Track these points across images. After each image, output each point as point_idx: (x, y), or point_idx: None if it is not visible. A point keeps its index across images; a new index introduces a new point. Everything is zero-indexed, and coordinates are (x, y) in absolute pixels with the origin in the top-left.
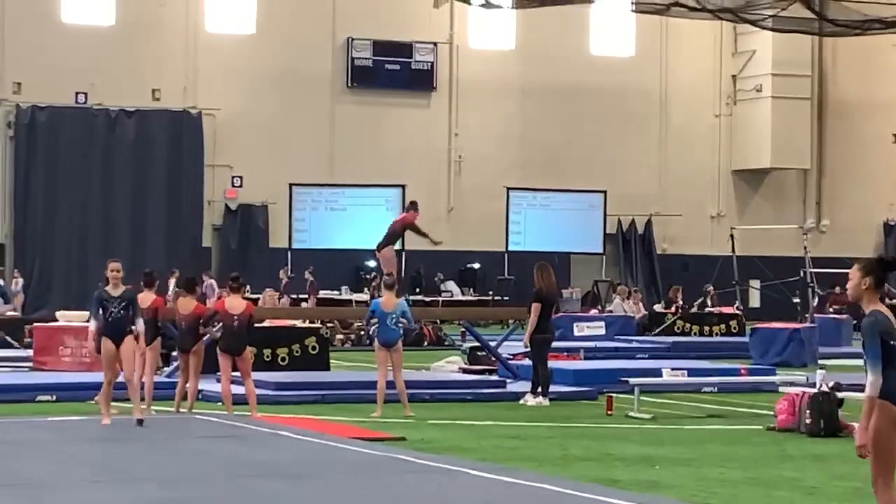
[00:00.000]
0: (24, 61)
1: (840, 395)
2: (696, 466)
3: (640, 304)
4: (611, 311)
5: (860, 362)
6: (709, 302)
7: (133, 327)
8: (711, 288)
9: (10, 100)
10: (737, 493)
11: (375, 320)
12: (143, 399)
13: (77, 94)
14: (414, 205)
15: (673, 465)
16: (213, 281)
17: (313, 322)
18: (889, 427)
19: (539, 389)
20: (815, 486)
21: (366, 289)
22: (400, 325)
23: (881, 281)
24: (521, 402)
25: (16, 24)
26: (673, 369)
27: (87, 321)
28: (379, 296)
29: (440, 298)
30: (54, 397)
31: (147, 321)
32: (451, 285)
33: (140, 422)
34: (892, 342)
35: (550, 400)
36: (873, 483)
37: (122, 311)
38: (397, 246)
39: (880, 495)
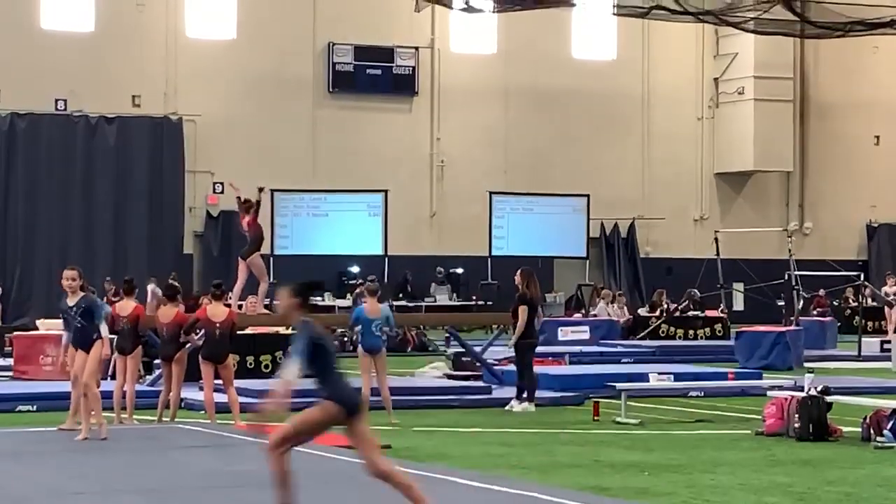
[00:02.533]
0: (3, 68)
1: (828, 398)
2: (687, 472)
3: (625, 307)
4: (595, 316)
5: (847, 365)
6: (693, 306)
7: (96, 335)
8: (696, 291)
9: None
10: (728, 500)
11: (359, 327)
12: (124, 408)
13: (57, 100)
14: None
15: (663, 472)
16: (154, 287)
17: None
18: None
19: (524, 395)
20: (805, 490)
21: (348, 294)
22: (383, 331)
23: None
24: (508, 408)
25: None
26: (659, 374)
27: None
28: (363, 302)
29: (423, 304)
30: (35, 407)
31: (128, 329)
32: (442, 290)
33: (85, 438)
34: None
35: (536, 406)
36: None
37: (81, 320)
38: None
39: None
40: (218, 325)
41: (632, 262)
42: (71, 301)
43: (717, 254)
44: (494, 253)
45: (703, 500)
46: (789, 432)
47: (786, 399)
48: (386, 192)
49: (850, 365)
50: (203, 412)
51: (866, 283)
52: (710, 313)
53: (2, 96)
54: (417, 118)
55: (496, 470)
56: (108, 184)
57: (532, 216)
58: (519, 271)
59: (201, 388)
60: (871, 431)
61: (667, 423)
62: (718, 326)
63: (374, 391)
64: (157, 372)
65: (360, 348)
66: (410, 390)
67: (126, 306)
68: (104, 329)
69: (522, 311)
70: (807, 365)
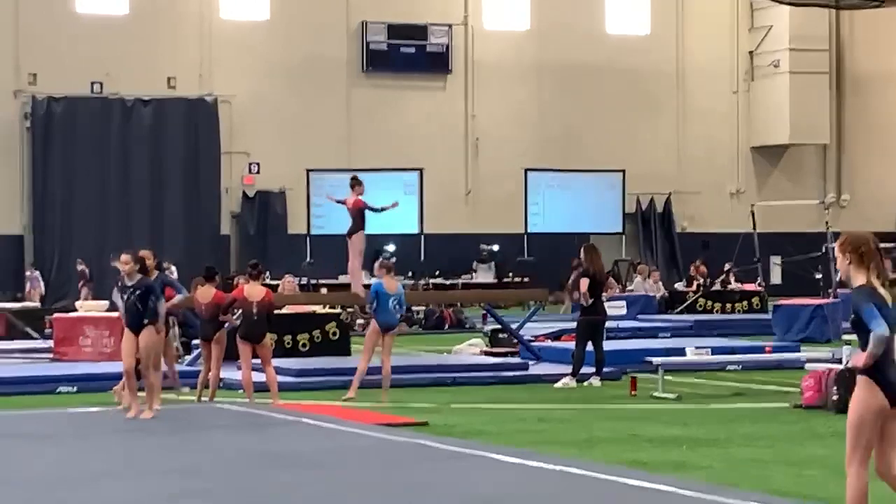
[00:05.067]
0: (39, 52)
1: None
2: (724, 446)
3: (659, 283)
4: (631, 291)
5: None
6: (730, 279)
7: (148, 319)
8: (732, 265)
9: (26, 91)
10: (767, 474)
11: (375, 303)
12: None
13: (93, 83)
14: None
15: (700, 446)
16: (84, 268)
17: (333, 308)
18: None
19: (595, 371)
20: (844, 463)
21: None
22: (397, 308)
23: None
24: (587, 383)
25: (30, 15)
26: (697, 348)
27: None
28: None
29: (460, 281)
30: (75, 388)
31: (209, 316)
32: (484, 268)
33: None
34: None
35: (578, 381)
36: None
37: (136, 300)
38: None
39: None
40: (255, 304)
41: (668, 237)
42: (129, 280)
43: (754, 227)
44: (531, 230)
45: (741, 474)
46: (827, 405)
47: (824, 372)
48: (421, 170)
49: None
50: (241, 392)
51: None
52: (747, 287)
53: (38, 80)
54: (452, 96)
55: (534, 446)
56: (144, 165)
57: (568, 192)
58: (582, 247)
59: (240, 368)
60: None
61: (704, 397)
62: (756, 300)
63: (370, 369)
64: (196, 352)
65: (373, 323)
66: (448, 367)
67: (206, 293)
68: (161, 311)
69: (584, 282)
70: (844, 337)
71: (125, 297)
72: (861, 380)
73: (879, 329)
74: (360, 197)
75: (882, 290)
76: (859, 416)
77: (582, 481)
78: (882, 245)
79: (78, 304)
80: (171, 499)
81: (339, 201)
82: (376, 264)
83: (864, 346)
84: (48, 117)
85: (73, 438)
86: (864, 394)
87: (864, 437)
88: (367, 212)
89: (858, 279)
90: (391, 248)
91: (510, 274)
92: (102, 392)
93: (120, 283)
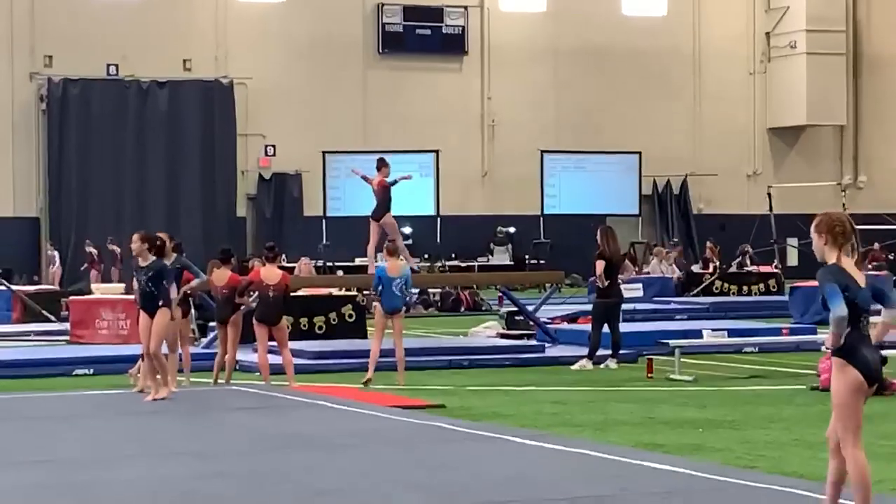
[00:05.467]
0: (54, 35)
1: (883, 352)
2: (741, 429)
3: (673, 265)
4: (648, 273)
5: None
6: (747, 261)
7: (162, 301)
8: (749, 247)
9: (41, 73)
10: (783, 456)
11: (381, 287)
12: (223, 369)
13: (108, 66)
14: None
15: (717, 428)
16: (92, 250)
17: (349, 290)
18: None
19: (611, 353)
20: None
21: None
22: (403, 291)
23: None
24: (603, 366)
25: None
26: (713, 330)
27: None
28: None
29: (476, 263)
30: (92, 371)
31: (224, 298)
32: (501, 250)
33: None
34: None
35: (594, 364)
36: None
37: (149, 283)
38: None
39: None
40: (271, 287)
41: (685, 218)
42: (143, 263)
43: (771, 209)
44: (547, 212)
45: (758, 456)
46: None
47: None
48: (437, 152)
49: None
50: (258, 374)
51: None
52: (764, 269)
53: (54, 63)
54: (467, 78)
55: (550, 428)
56: (160, 148)
57: (584, 174)
58: (599, 229)
59: (255, 351)
60: None
61: (721, 379)
62: (772, 282)
63: (385, 352)
64: (213, 334)
65: (378, 307)
66: (464, 350)
67: (222, 276)
68: (172, 294)
69: (599, 264)
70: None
71: (139, 279)
72: (835, 361)
73: (836, 310)
74: (385, 178)
75: (852, 271)
76: (842, 398)
77: (600, 464)
78: None
79: (94, 286)
80: (191, 480)
81: (364, 177)
82: (379, 248)
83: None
84: (64, 100)
85: (91, 420)
86: (840, 374)
87: (852, 418)
88: (391, 193)
89: (831, 258)
90: (408, 230)
91: (526, 256)
92: (119, 374)
93: (135, 266)
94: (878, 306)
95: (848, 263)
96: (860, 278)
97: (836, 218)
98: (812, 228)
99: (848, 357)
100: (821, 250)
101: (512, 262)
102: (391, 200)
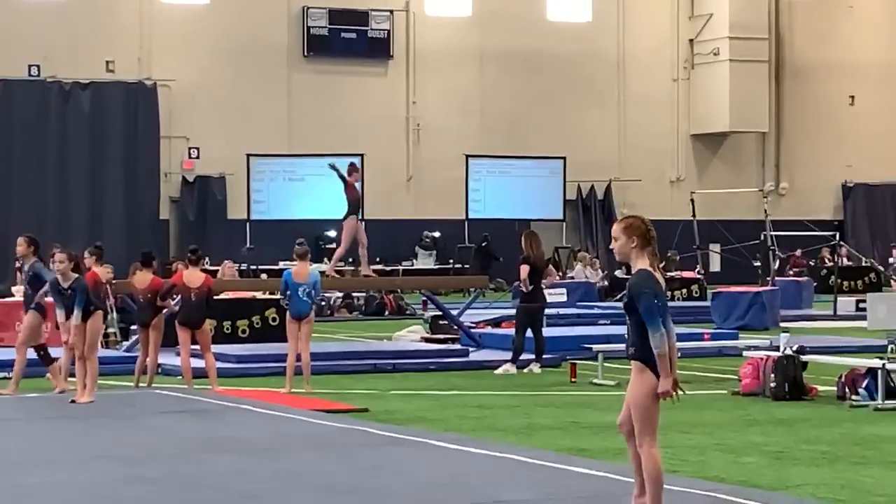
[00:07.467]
0: None
1: (804, 357)
2: (663, 433)
3: (598, 270)
4: (572, 278)
5: (823, 324)
6: (670, 267)
7: (91, 308)
8: (675, 253)
9: None
10: (706, 460)
11: (289, 292)
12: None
13: (30, 66)
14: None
15: None
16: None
17: (273, 293)
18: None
19: (535, 357)
20: (782, 450)
21: (325, 259)
22: (311, 297)
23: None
24: (527, 370)
25: None
26: None
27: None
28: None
29: (400, 267)
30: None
31: (145, 302)
32: (426, 255)
33: (73, 401)
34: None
35: (518, 368)
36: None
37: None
38: None
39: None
40: (194, 290)
41: (608, 224)
42: (65, 283)
43: (694, 215)
44: (472, 216)
45: (681, 461)
46: (765, 392)
47: (762, 359)
48: (362, 155)
49: (826, 324)
50: (180, 377)
51: (842, 242)
52: (686, 274)
53: None
54: (393, 82)
55: (474, 432)
56: (82, 150)
57: (509, 179)
58: (523, 234)
59: (178, 354)
60: (847, 390)
61: None
62: (695, 287)
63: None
64: (134, 338)
65: (288, 314)
66: (388, 354)
67: (144, 279)
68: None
69: (524, 269)
70: (783, 325)
71: (65, 298)
72: (634, 365)
73: (657, 333)
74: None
75: (657, 276)
76: (640, 402)
77: (524, 468)
78: (820, 233)
79: (14, 289)
80: (113, 484)
81: (342, 177)
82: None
83: (633, 327)
84: None
85: (10, 423)
86: (639, 378)
87: (650, 420)
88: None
89: (640, 262)
90: (332, 233)
91: (450, 261)
92: (39, 378)
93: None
94: None
95: (655, 267)
96: (663, 282)
97: (646, 221)
98: (619, 230)
99: (647, 362)
100: (628, 253)
101: (436, 267)
102: (359, 207)
